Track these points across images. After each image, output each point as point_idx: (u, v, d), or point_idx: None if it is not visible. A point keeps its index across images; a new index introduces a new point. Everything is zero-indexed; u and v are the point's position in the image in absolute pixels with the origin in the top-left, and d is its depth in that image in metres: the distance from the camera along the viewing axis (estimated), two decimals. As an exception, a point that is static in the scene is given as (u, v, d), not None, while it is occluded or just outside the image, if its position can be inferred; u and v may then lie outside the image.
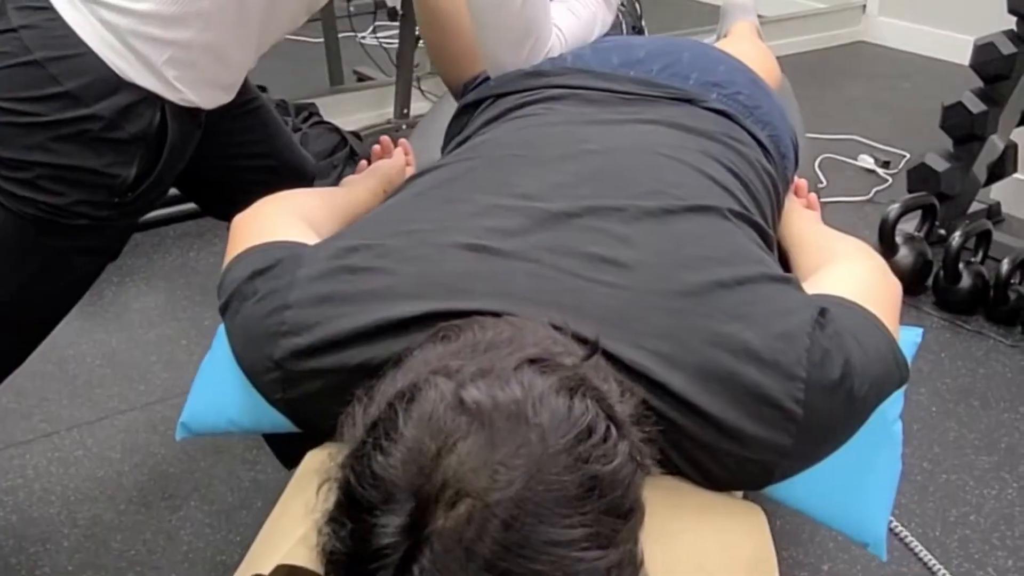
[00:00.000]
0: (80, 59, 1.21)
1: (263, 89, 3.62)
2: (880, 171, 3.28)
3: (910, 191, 2.78)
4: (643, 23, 3.60)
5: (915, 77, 4.36)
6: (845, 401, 0.94)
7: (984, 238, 2.54)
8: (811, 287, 1.10)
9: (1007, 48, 2.54)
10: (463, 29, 1.47)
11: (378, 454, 0.72)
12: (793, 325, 0.93)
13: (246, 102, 1.56)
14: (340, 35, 3.66)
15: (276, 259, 1.03)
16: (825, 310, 0.96)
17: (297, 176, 1.65)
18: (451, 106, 1.85)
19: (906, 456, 1.96)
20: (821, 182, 3.21)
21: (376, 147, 1.59)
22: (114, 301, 2.45)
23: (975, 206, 2.82)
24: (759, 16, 4.69)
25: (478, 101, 1.40)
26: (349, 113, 3.49)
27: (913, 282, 2.54)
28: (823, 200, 3.12)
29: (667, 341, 0.90)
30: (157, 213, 2.80)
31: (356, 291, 0.95)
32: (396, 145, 1.59)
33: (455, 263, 0.95)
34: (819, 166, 3.33)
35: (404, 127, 3.44)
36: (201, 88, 1.31)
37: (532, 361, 0.78)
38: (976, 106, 2.59)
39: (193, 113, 1.33)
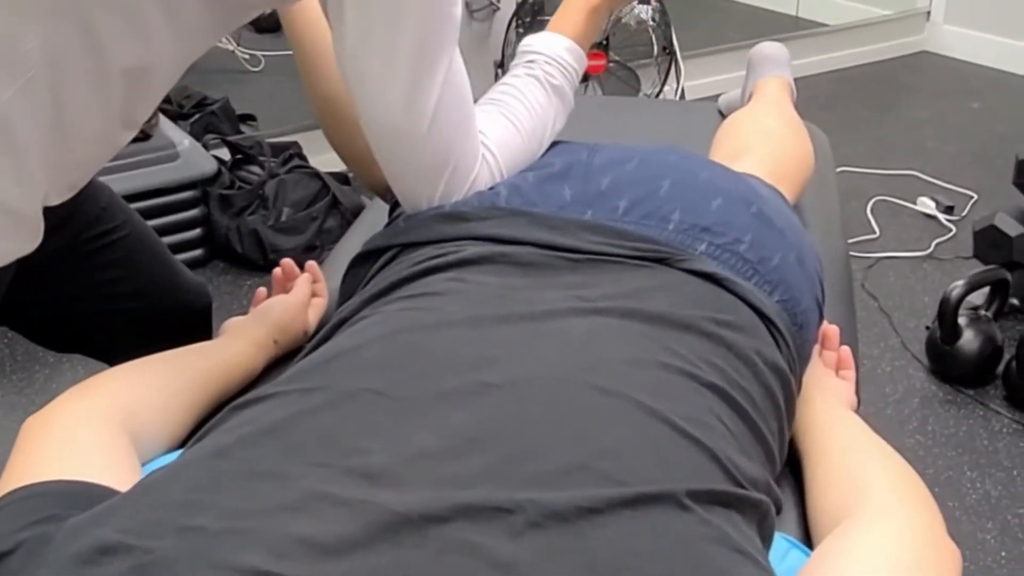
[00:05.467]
0: None
1: (251, 119, 3.30)
2: (942, 218, 2.86)
3: (976, 255, 2.38)
4: (675, 43, 3.22)
5: (984, 95, 3.91)
6: None
7: (1067, 320, 2.13)
8: (823, 563, 0.75)
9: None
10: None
11: None
12: None
13: (103, 233, 1.20)
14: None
15: (18, 541, 0.70)
16: None
17: (174, 314, 1.30)
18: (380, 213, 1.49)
19: (968, 625, 1.58)
20: (874, 232, 2.81)
21: (277, 271, 1.23)
22: (43, 388, 2.13)
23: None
24: (823, 26, 4.29)
25: (381, 249, 1.05)
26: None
27: (979, 371, 2.14)
28: (875, 255, 2.74)
29: None
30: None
31: None
32: (303, 269, 1.24)
33: None
34: (872, 211, 2.92)
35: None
36: None
37: None
38: (1059, 161, 2.18)
39: None
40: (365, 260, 1.06)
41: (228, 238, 2.58)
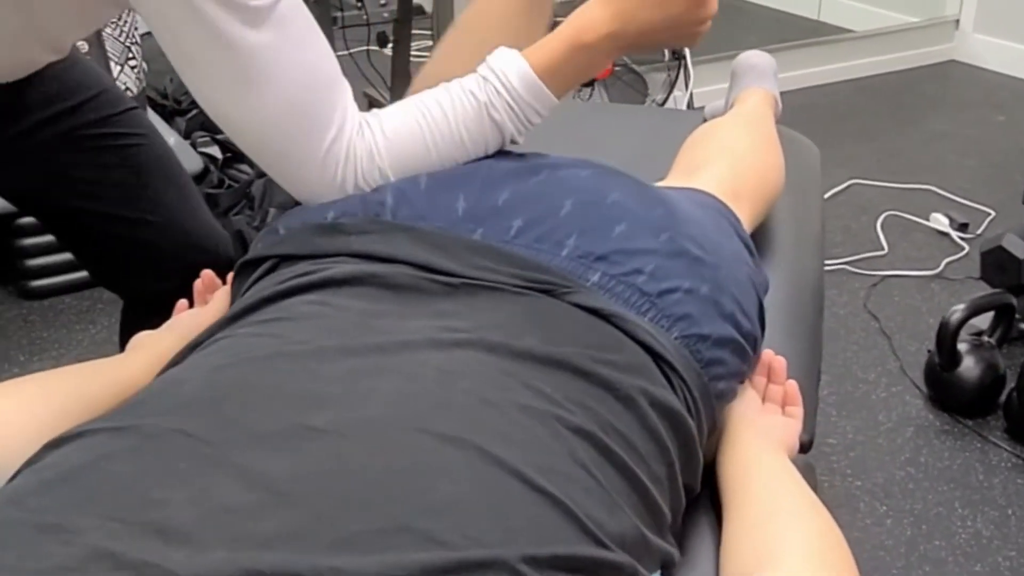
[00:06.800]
0: None
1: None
2: (955, 235, 2.75)
3: (983, 277, 2.27)
4: (686, 47, 3.11)
5: (1011, 108, 3.77)
6: None
7: (1074, 349, 2.02)
8: None
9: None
10: None
11: None
12: None
13: (112, 135, 1.26)
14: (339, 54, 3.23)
15: None
16: None
17: (186, 250, 1.32)
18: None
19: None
20: (882, 248, 2.70)
21: (197, 283, 1.16)
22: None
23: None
24: (847, 32, 4.14)
25: (260, 259, 0.97)
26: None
27: (979, 401, 2.03)
28: (881, 273, 2.63)
29: None
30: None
31: None
32: (224, 282, 1.17)
33: None
34: (881, 226, 2.80)
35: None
36: None
37: None
38: (1071, 180, 2.07)
39: None
40: (246, 269, 0.99)
41: (212, 238, 2.52)
